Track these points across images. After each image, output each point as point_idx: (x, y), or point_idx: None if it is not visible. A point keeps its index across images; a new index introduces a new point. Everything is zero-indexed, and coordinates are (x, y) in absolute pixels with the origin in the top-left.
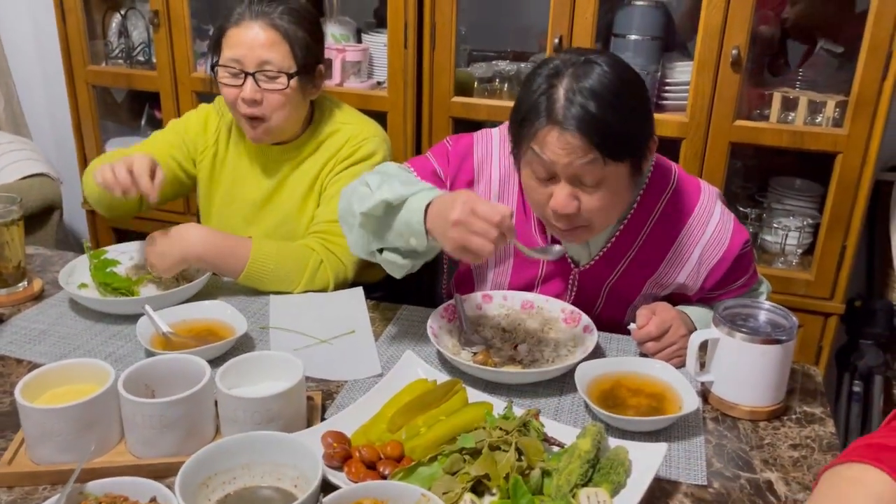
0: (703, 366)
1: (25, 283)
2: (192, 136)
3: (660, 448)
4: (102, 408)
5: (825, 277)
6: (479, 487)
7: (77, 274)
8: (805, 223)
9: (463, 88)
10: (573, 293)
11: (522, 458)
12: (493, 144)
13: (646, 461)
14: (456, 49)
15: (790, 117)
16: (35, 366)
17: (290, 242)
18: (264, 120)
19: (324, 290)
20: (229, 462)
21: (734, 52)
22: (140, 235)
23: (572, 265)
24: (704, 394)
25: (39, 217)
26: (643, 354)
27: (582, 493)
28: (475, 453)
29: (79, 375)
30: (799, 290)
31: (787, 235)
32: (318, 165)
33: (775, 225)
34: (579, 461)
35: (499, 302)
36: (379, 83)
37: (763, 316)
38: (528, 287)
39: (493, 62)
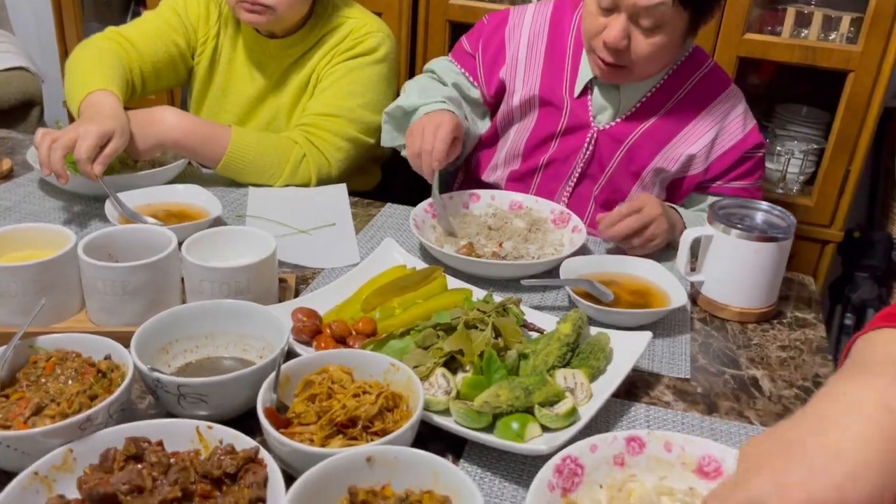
0: (693, 269)
1: None
2: (193, 21)
3: (643, 336)
4: (60, 271)
5: (826, 203)
6: (451, 364)
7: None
8: (810, 148)
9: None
10: (589, 151)
11: (499, 338)
12: (525, 15)
13: (628, 349)
14: None
15: (804, 34)
16: None
17: (272, 134)
18: (271, 7)
19: (305, 185)
20: (191, 329)
21: None
22: None
23: (593, 124)
24: (693, 296)
25: (19, 111)
26: (622, 252)
27: (559, 374)
28: (450, 330)
29: (39, 241)
30: (798, 215)
31: (789, 161)
32: (317, 59)
33: (778, 148)
34: (558, 343)
35: (486, 202)
36: None
37: (760, 216)
38: (547, 141)
39: None
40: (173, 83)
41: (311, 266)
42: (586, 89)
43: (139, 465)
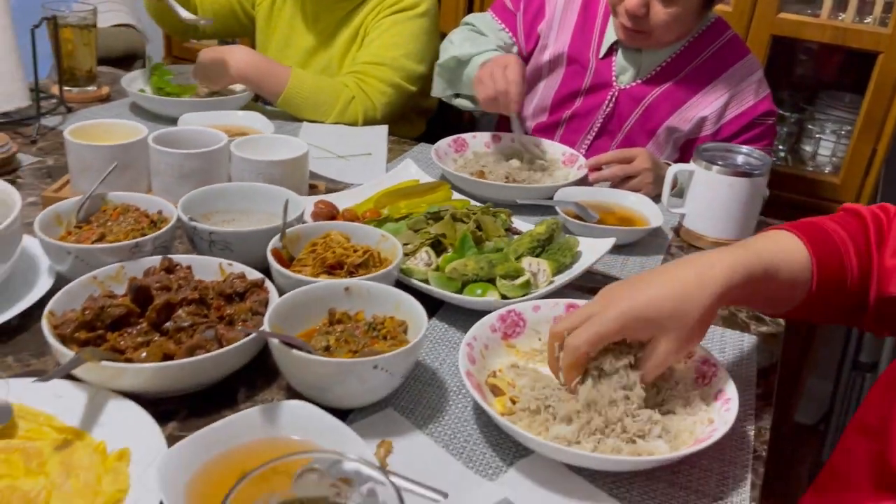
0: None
1: (95, 86)
2: None
3: (608, 241)
4: (134, 154)
5: (852, 181)
6: (437, 248)
7: (138, 83)
8: (843, 130)
9: None
10: (609, 108)
11: (481, 232)
12: None
13: (594, 251)
14: None
15: (840, 17)
16: None
17: (326, 77)
18: None
19: (353, 124)
20: (231, 204)
21: None
22: None
23: (615, 83)
24: (676, 229)
25: (124, 61)
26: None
27: (525, 260)
28: (439, 220)
29: (120, 133)
30: (825, 192)
31: (820, 141)
32: (365, 12)
33: (810, 126)
34: (529, 238)
35: (506, 143)
36: None
37: (741, 158)
38: (573, 96)
39: None
40: (237, 31)
41: (341, 180)
42: (611, 51)
43: (170, 276)
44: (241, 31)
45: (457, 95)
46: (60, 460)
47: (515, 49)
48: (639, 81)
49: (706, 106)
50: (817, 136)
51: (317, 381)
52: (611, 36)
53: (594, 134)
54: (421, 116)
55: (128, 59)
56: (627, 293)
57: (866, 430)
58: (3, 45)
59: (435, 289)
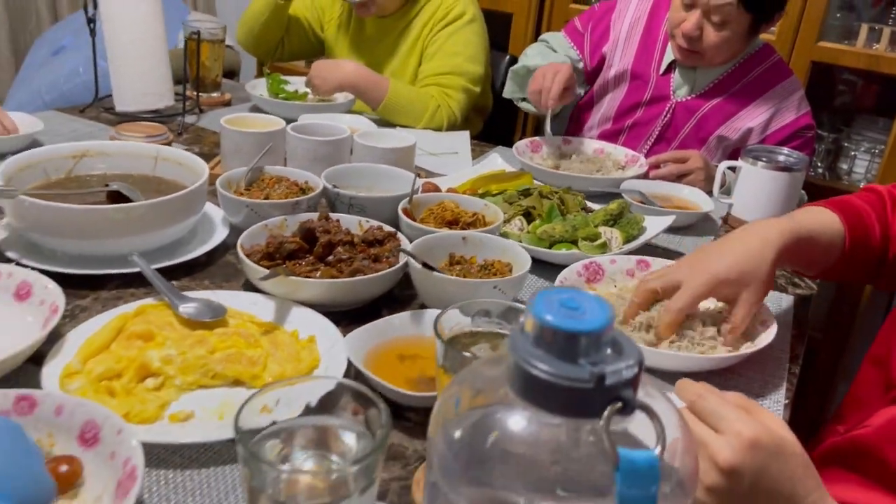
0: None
1: (219, 92)
2: (321, 4)
3: (668, 218)
4: (275, 139)
5: None
6: (528, 217)
7: (258, 89)
8: (876, 149)
9: None
10: (666, 118)
11: (563, 206)
12: (630, 5)
13: (657, 226)
14: None
15: (874, 46)
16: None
17: (416, 87)
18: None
19: (438, 129)
20: (356, 181)
21: None
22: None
23: (673, 97)
24: (724, 218)
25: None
26: None
27: (601, 228)
28: (528, 196)
29: (261, 123)
30: None
31: (855, 159)
32: (419, 28)
33: (846, 145)
34: (603, 213)
35: (575, 146)
36: None
37: (781, 157)
38: (635, 108)
39: None
40: (310, 53)
41: (436, 171)
42: (670, 68)
43: (328, 224)
44: (312, 52)
45: (523, 99)
46: (268, 340)
47: (581, 64)
48: (693, 96)
49: (753, 118)
50: (853, 154)
51: (447, 297)
52: (669, 56)
53: (652, 141)
54: (479, 115)
55: (227, 75)
56: (708, 261)
57: (877, 360)
58: (158, 53)
59: (529, 247)
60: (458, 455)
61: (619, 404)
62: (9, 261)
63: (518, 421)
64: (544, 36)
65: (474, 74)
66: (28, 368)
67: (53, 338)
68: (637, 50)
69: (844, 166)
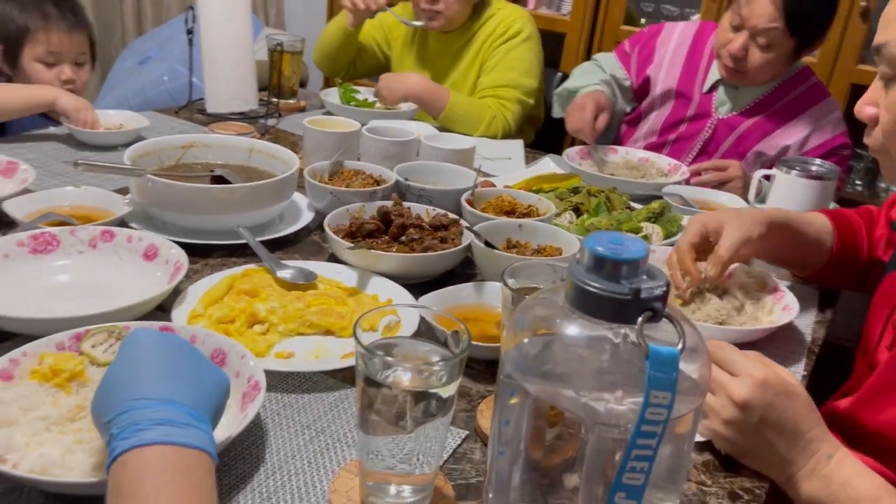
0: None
1: (296, 99)
2: (388, 24)
3: None
4: (351, 139)
5: None
6: (577, 212)
7: (331, 96)
8: None
9: (630, 19)
10: (708, 134)
11: (609, 203)
12: (676, 29)
13: None
14: None
15: None
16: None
17: (474, 98)
18: (440, 13)
19: (493, 137)
20: (423, 176)
21: (863, 3)
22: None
23: (715, 114)
24: None
25: None
26: None
27: (643, 224)
28: (578, 193)
29: (339, 125)
30: None
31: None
32: (479, 43)
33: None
34: (646, 211)
35: (622, 154)
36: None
37: (814, 167)
38: (678, 123)
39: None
40: (376, 68)
41: (493, 173)
42: (713, 87)
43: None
44: (380, 69)
45: None
46: (353, 301)
47: (628, 83)
48: (735, 113)
49: (790, 136)
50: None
51: None
52: (713, 75)
53: (694, 154)
54: (531, 126)
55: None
56: (727, 219)
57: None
58: (246, 61)
59: (577, 236)
60: (527, 354)
61: (650, 313)
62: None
63: (573, 328)
64: (596, 56)
65: (529, 87)
66: (156, 315)
67: (176, 291)
68: (682, 70)
69: (882, 184)
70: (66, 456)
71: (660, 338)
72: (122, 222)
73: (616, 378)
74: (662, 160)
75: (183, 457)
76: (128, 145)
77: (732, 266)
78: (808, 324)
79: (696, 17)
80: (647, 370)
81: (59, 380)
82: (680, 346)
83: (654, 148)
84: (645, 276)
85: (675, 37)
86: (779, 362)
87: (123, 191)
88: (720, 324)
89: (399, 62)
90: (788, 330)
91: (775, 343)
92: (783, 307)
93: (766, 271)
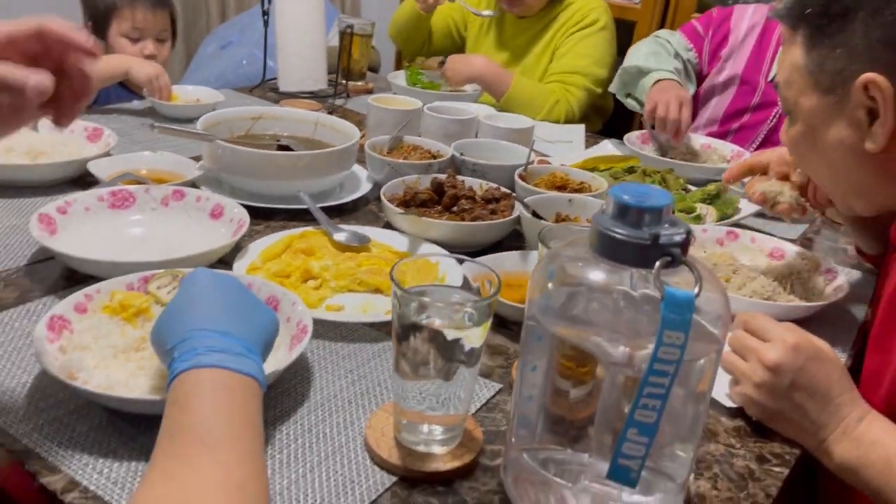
0: None
1: (363, 81)
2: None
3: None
4: (412, 116)
5: None
6: None
7: (398, 79)
8: None
9: (702, 7)
10: (772, 124)
11: (665, 183)
12: (747, 12)
13: (749, 208)
14: None
15: None
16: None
17: (538, 83)
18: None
19: (556, 122)
20: (478, 153)
21: None
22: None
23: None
24: None
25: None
26: None
27: (697, 205)
28: (632, 173)
29: (402, 103)
30: None
31: None
32: (554, 30)
33: None
34: (701, 192)
35: (684, 140)
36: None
37: None
38: (741, 113)
39: None
40: (451, 49)
41: (549, 154)
42: None
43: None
44: (455, 49)
45: (627, 95)
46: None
47: (697, 66)
48: None
49: None
50: None
51: None
52: None
53: (757, 144)
54: (598, 116)
55: (369, 70)
56: None
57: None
58: (317, 43)
59: None
60: (551, 299)
61: (669, 259)
62: None
63: (596, 272)
64: (660, 33)
65: (598, 76)
66: (218, 267)
67: (237, 248)
68: (749, 56)
69: None
70: (130, 379)
71: (680, 284)
72: (192, 185)
73: (635, 324)
74: (726, 147)
75: (234, 380)
76: None
77: (786, 248)
78: (861, 308)
79: None
80: (661, 310)
81: (127, 314)
82: (696, 290)
83: (716, 138)
84: (667, 225)
85: (746, 20)
86: (829, 340)
87: (196, 159)
88: (766, 300)
89: (474, 45)
90: (839, 311)
91: (823, 322)
92: (834, 288)
93: (826, 255)
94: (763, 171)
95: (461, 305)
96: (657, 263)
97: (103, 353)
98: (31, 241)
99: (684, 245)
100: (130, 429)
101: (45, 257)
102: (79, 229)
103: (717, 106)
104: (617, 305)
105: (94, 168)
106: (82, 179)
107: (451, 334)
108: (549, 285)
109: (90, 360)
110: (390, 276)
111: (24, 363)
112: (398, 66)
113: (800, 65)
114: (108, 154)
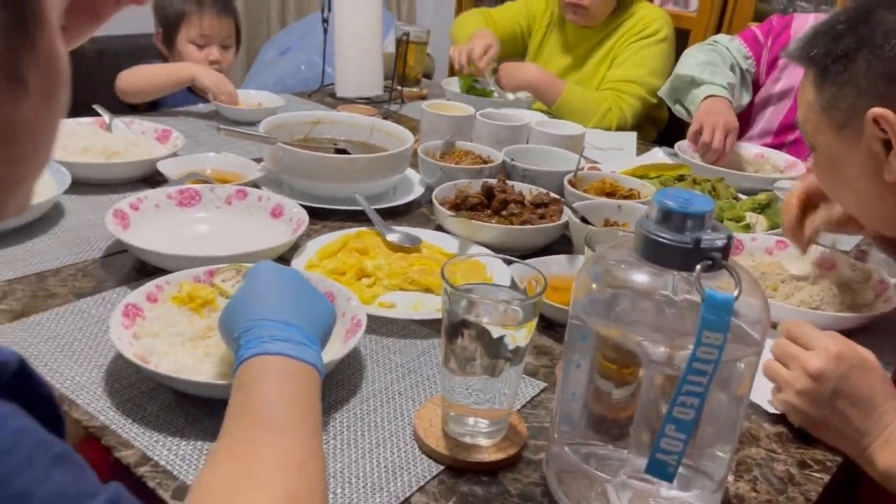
0: None
1: (418, 88)
2: (534, 12)
3: None
4: (464, 122)
5: None
6: None
7: (452, 86)
8: None
9: (759, 17)
10: None
11: (715, 192)
12: (807, 22)
13: None
14: None
15: None
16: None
17: (591, 91)
18: (586, 8)
19: (608, 129)
20: (527, 159)
21: None
22: None
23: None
24: None
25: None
26: None
27: (748, 214)
28: (683, 181)
29: (455, 109)
30: None
31: None
32: (615, 39)
33: None
34: (752, 201)
35: (736, 150)
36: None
37: None
38: (791, 127)
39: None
40: (513, 53)
41: (602, 162)
42: None
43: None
44: (517, 54)
45: (676, 101)
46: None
47: (754, 74)
48: None
49: None
50: None
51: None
52: None
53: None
54: (653, 126)
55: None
56: None
57: None
58: (374, 50)
59: None
60: (596, 299)
61: (710, 262)
62: None
63: (641, 275)
64: (718, 38)
65: (653, 86)
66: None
67: (296, 246)
68: None
69: None
70: (197, 364)
71: (721, 288)
72: (254, 185)
73: (676, 326)
74: (780, 157)
75: (296, 367)
76: None
77: (837, 258)
78: None
79: None
80: (700, 311)
81: (194, 305)
82: (735, 292)
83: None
84: (709, 230)
85: (806, 28)
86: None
87: (258, 160)
88: (813, 309)
89: (535, 51)
90: (886, 322)
91: (871, 334)
92: (885, 299)
93: (879, 267)
94: (814, 204)
95: (507, 303)
96: (698, 267)
97: (172, 341)
98: (107, 234)
99: (725, 250)
100: (196, 411)
101: (118, 250)
102: (149, 225)
103: (772, 116)
104: (659, 307)
105: (163, 167)
106: (152, 178)
107: (496, 332)
108: (594, 286)
109: (160, 346)
110: (441, 273)
111: (101, 347)
112: (451, 73)
113: (813, 103)
114: (175, 154)
